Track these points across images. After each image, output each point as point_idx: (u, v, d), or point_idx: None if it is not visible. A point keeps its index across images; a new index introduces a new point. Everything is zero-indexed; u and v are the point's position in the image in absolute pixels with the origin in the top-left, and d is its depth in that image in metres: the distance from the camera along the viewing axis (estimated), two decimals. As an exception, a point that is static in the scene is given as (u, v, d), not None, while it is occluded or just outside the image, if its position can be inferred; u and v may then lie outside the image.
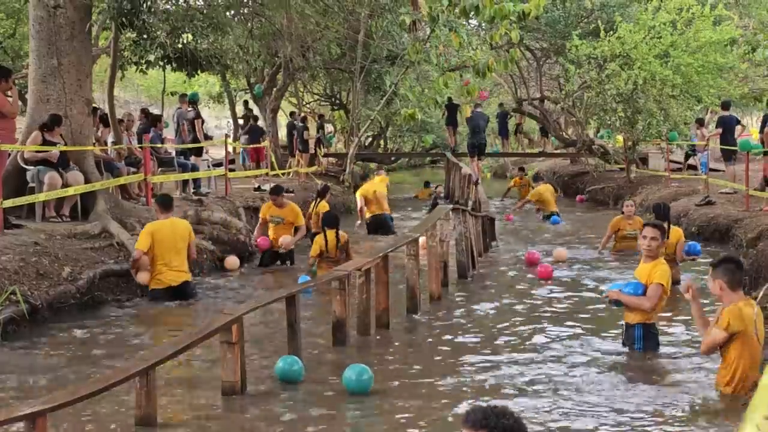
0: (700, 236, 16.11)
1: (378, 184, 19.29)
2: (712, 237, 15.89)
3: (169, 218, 11.59)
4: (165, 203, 11.80)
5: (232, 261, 13.90)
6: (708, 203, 17.52)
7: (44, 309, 9.80)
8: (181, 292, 11.33)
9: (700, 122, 24.25)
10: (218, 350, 7.25)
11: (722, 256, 6.96)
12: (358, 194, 19.51)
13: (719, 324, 6.65)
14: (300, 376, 7.56)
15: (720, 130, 19.89)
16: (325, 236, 12.58)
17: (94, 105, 16.16)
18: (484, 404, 3.22)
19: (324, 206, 15.96)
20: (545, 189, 21.54)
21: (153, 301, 11.20)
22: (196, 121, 18.65)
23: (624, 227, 14.60)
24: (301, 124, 27.73)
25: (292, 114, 28.63)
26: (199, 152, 18.67)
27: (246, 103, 30.76)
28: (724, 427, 6.32)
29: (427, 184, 24.93)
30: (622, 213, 14.92)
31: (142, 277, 11.28)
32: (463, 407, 6.83)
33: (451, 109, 32.11)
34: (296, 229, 14.52)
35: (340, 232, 12.73)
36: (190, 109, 19.02)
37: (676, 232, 12.18)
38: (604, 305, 9.88)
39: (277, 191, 14.79)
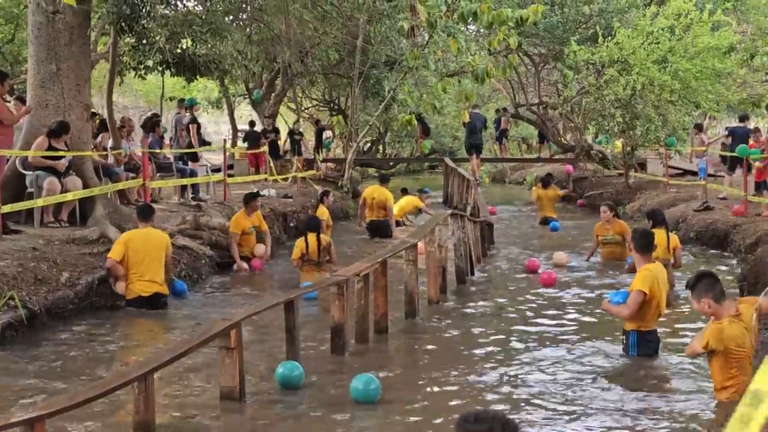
0: (698, 241, 16.15)
1: (379, 190, 19.40)
2: (710, 242, 15.92)
3: (147, 228, 11.36)
4: (143, 212, 11.64)
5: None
6: (706, 209, 17.54)
7: (43, 314, 9.78)
8: (151, 304, 10.97)
9: (699, 128, 24.28)
10: (217, 355, 7.25)
11: (696, 274, 6.85)
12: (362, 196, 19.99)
13: (701, 340, 6.64)
14: (300, 382, 7.55)
15: (723, 135, 19.91)
16: (306, 240, 12.64)
17: (93, 110, 16.16)
18: (476, 409, 3.21)
19: (323, 211, 15.96)
20: (544, 194, 21.55)
21: (130, 309, 10.96)
22: (191, 126, 18.67)
23: (602, 233, 14.50)
24: (271, 132, 27.65)
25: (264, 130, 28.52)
26: (195, 157, 18.68)
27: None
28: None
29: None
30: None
31: (119, 287, 11.06)
32: (459, 412, 6.83)
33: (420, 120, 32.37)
34: (262, 235, 14.65)
35: (322, 236, 12.84)
36: (187, 114, 19.06)
37: (673, 239, 12.20)
38: (602, 311, 9.87)
39: (254, 196, 14.81)
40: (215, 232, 14.67)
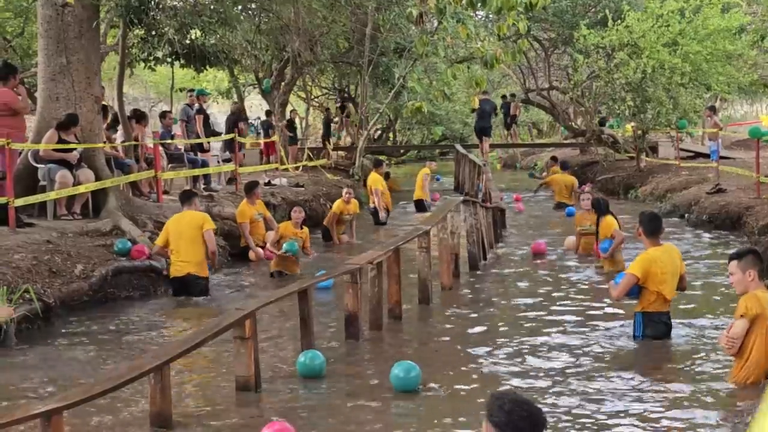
0: (711, 224, 16.11)
1: (371, 176, 20.14)
2: (723, 225, 15.86)
3: (185, 211, 11.78)
4: (183, 197, 12.21)
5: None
6: (719, 191, 17.48)
7: (57, 307, 9.84)
8: (185, 285, 11.37)
9: (712, 110, 24.18)
10: (233, 345, 7.26)
11: (747, 248, 7.02)
12: None
13: (738, 313, 6.60)
14: (322, 371, 7.54)
15: None
16: None
17: (104, 103, 16.16)
18: (502, 395, 3.19)
19: (338, 204, 16.19)
20: (561, 178, 21.48)
21: (144, 302, 11.27)
22: (197, 116, 18.69)
23: (581, 223, 13.82)
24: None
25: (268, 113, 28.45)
26: (202, 148, 18.68)
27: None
28: (731, 419, 6.32)
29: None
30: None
31: None
32: (474, 397, 6.84)
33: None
34: (267, 222, 14.72)
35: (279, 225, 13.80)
36: (195, 104, 19.08)
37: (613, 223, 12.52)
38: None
39: (255, 185, 14.87)
40: (227, 222, 14.71)
